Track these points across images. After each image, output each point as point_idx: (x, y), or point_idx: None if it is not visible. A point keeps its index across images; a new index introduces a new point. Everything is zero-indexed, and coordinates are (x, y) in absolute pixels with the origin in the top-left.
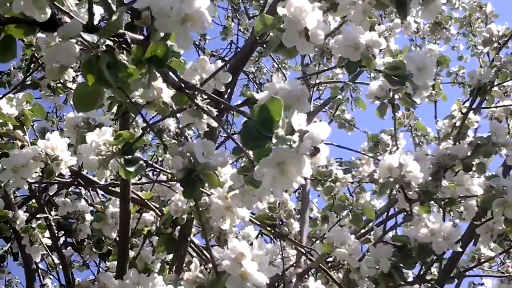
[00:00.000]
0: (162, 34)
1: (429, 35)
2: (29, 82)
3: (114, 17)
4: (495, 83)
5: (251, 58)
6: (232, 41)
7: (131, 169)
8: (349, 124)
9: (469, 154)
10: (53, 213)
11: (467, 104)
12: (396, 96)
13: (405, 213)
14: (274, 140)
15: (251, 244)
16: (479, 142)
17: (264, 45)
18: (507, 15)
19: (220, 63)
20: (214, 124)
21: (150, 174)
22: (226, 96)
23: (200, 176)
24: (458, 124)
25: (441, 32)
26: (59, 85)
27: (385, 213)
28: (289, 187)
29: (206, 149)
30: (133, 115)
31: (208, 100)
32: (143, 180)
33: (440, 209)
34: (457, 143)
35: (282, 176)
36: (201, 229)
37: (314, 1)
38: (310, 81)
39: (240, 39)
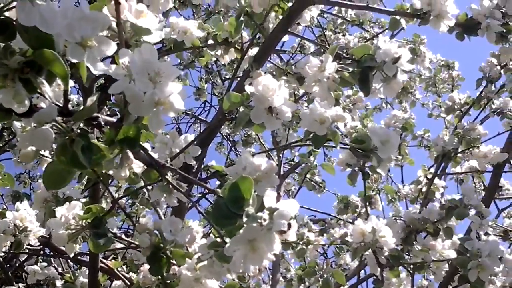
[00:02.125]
0: (135, 117)
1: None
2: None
3: (89, 102)
4: (459, 150)
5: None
6: (206, 101)
7: (100, 242)
8: (319, 186)
9: (440, 217)
10: (21, 285)
11: (432, 170)
12: (367, 164)
13: (374, 278)
14: (244, 219)
15: None
16: (450, 205)
17: (233, 121)
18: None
19: (190, 137)
20: (184, 199)
21: (123, 236)
22: (195, 168)
23: (167, 253)
24: (424, 189)
25: (406, 96)
26: None
27: (356, 276)
28: (259, 264)
29: (173, 226)
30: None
31: (178, 175)
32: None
33: (409, 273)
34: (424, 208)
35: (253, 253)
36: None
37: (281, 75)
38: (280, 143)
39: (214, 99)
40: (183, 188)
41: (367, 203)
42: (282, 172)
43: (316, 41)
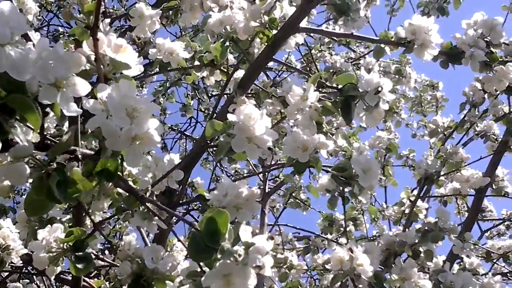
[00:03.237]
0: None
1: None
2: None
3: (65, 136)
4: (442, 173)
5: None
6: (192, 117)
7: (81, 266)
8: (304, 204)
9: (417, 240)
10: None
11: (415, 192)
12: (346, 189)
13: None
14: (219, 255)
15: None
16: (426, 228)
17: (215, 148)
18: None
19: (174, 159)
20: (164, 227)
21: (107, 251)
22: (178, 192)
23: (148, 281)
24: (407, 211)
25: (392, 116)
26: None
27: None
28: None
29: (155, 254)
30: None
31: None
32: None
33: None
34: (407, 229)
35: (228, 287)
36: None
37: (266, 98)
38: (266, 161)
39: (200, 115)
40: (163, 215)
41: (351, 223)
42: (267, 190)
43: (302, 60)
